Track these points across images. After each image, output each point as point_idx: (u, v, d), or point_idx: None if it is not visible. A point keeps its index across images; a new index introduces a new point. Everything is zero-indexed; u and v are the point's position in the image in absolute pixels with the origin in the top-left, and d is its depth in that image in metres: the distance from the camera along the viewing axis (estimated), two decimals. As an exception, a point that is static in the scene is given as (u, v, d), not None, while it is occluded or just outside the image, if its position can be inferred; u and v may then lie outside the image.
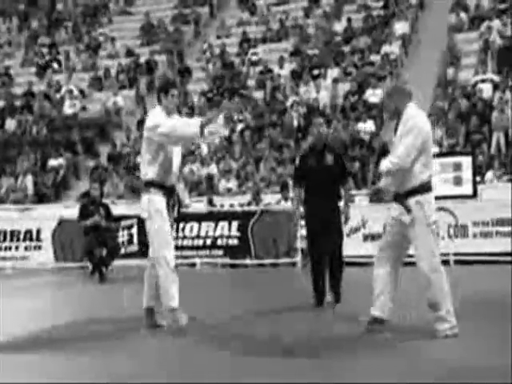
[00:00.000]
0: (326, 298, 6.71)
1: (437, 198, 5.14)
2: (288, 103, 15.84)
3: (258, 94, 17.09)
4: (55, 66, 19.95)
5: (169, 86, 5.36)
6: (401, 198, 4.88)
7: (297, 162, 7.00)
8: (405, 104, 4.90)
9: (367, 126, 14.62)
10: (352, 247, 9.91)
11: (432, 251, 4.82)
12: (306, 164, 6.84)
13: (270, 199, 12.61)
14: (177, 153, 5.38)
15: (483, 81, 14.88)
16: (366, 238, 11.18)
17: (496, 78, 14.78)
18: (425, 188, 4.85)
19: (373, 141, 14.28)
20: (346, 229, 7.46)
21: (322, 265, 6.70)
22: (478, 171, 11.94)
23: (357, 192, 12.13)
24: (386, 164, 4.88)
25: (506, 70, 14.65)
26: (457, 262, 10.04)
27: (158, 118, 5.17)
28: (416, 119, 4.87)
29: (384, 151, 13.56)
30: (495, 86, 14.56)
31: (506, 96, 13.99)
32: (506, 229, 10.54)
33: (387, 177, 4.99)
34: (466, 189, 10.83)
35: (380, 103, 15.07)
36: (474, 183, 11.10)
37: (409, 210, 4.81)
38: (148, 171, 5.17)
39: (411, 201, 4.82)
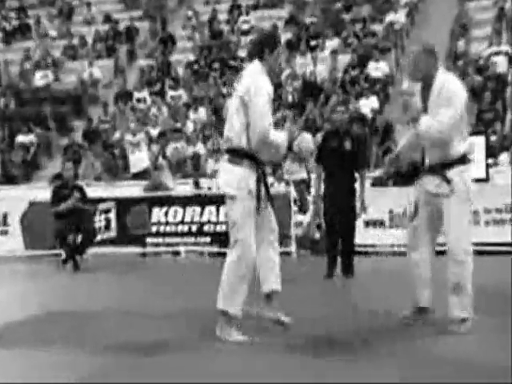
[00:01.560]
0: (336, 269, 8.12)
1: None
2: (282, 76, 15.93)
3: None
4: (24, 31, 19.88)
5: (277, 40, 4.97)
6: (438, 168, 4.91)
7: (319, 142, 8.35)
8: (436, 68, 4.94)
9: (370, 103, 14.67)
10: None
11: (468, 231, 4.87)
12: (327, 146, 8.12)
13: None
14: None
15: (497, 53, 14.89)
16: (367, 224, 11.27)
17: (511, 51, 14.85)
18: (465, 160, 4.91)
19: (376, 119, 14.32)
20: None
21: (336, 238, 8.15)
22: (491, 153, 11.96)
23: (357, 175, 12.23)
24: (428, 124, 4.87)
25: (522, 42, 14.86)
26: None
27: (260, 82, 4.77)
28: (454, 86, 4.90)
29: (388, 131, 13.88)
30: (511, 60, 14.62)
31: (521, 71, 14.16)
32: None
33: (422, 139, 4.96)
34: (479, 172, 10.73)
35: (383, 78, 15.27)
36: (487, 166, 11.11)
37: (448, 181, 4.84)
38: (240, 139, 4.80)
39: (451, 172, 4.87)
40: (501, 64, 14.53)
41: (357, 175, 8.26)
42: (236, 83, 4.94)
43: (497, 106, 13.61)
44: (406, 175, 11.52)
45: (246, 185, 4.76)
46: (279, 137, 4.80)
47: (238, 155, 4.80)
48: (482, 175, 10.85)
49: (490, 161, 11.85)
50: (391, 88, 15.68)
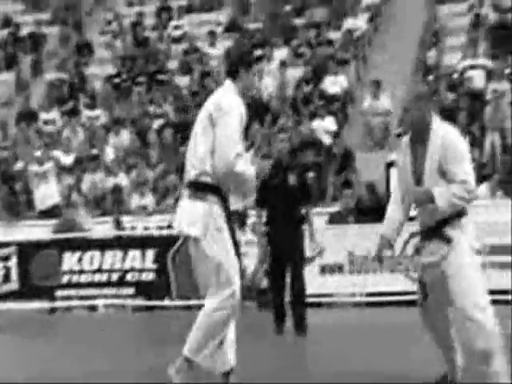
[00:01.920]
0: (285, 323, 8.36)
1: (411, 219, 5.37)
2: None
3: (183, 81, 17.23)
4: None
5: (253, 58, 5.16)
6: (435, 229, 5.05)
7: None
8: (431, 118, 5.07)
9: (326, 125, 14.81)
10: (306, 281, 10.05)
11: (478, 286, 4.97)
12: (268, 184, 7.91)
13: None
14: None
15: (473, 67, 15.07)
16: (323, 270, 11.43)
17: (489, 64, 15.06)
18: (462, 211, 5.04)
19: (333, 144, 14.51)
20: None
21: (283, 287, 8.38)
22: None
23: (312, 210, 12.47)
24: (453, 193, 4.92)
25: (501, 54, 15.03)
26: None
27: (233, 100, 4.93)
28: (458, 139, 5.06)
29: (347, 158, 13.95)
30: (489, 74, 14.81)
31: (501, 87, 14.30)
32: (505, 259, 10.83)
33: (442, 214, 5.00)
34: None
35: (342, 94, 15.43)
36: None
37: (448, 240, 4.98)
38: (205, 167, 4.89)
39: (452, 228, 5.00)
40: (477, 79, 14.75)
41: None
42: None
43: (473, 128, 13.89)
44: (369, 210, 12.14)
45: (213, 222, 4.90)
46: (248, 169, 4.90)
47: (201, 189, 4.91)
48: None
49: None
50: (351, 107, 15.87)
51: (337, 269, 11.46)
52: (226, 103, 4.88)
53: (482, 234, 10.02)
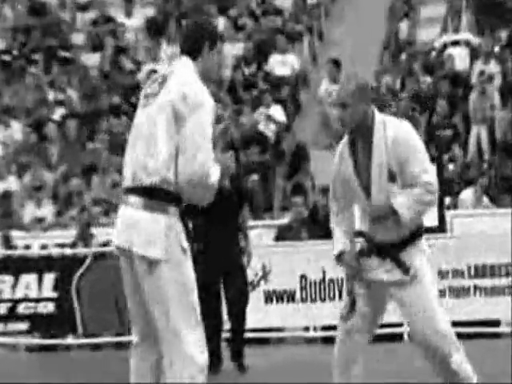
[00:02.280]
0: (222, 362, 8.42)
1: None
2: (141, 74, 15.91)
3: (91, 59, 17.24)
4: None
5: (218, 34, 5.13)
6: (389, 249, 5.32)
7: None
8: (373, 111, 5.33)
9: (273, 115, 14.81)
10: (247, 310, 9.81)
11: (440, 311, 5.31)
12: None
13: (109, 236, 11.71)
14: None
15: (455, 43, 15.18)
16: (268, 297, 11.39)
17: (474, 40, 15.16)
18: (421, 232, 5.38)
19: (281, 139, 14.52)
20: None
21: (218, 314, 8.44)
22: (447, 189, 12.22)
23: (255, 223, 12.44)
24: (420, 202, 5.22)
25: (488, 28, 15.23)
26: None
27: (202, 91, 4.87)
28: (409, 133, 5.30)
29: (299, 157, 13.87)
30: (473, 53, 14.87)
31: (489, 69, 14.40)
32: (496, 282, 10.96)
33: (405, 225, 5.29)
34: (429, 218, 10.50)
35: (292, 77, 15.44)
36: (441, 209, 11.31)
37: (407, 268, 5.26)
38: (168, 173, 4.83)
39: (408, 252, 5.31)
40: (460, 59, 14.77)
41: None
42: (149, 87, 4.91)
43: (454, 120, 13.94)
44: (326, 222, 11.89)
45: (177, 241, 4.87)
46: (214, 174, 4.90)
47: (160, 198, 4.86)
48: (434, 223, 11.07)
49: (448, 200, 12.22)
50: (304, 93, 15.94)
51: (286, 296, 11.38)
52: (196, 93, 4.81)
53: (465, 253, 10.80)
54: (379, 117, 5.26)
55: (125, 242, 4.83)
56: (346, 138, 5.33)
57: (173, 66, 5.00)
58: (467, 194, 12.96)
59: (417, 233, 5.29)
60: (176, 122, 4.75)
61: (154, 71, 15.14)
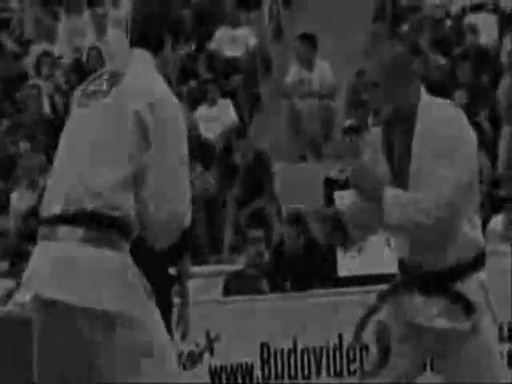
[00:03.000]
0: None
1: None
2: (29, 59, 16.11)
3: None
4: None
5: (182, 24, 4.90)
6: (438, 279, 5.02)
7: None
8: (419, 93, 5.03)
9: (220, 114, 14.35)
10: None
11: (499, 376, 5.11)
12: None
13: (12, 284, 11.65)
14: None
15: (478, 7, 14.76)
16: (215, 375, 10.61)
17: (505, 2, 14.94)
18: (482, 259, 5.07)
19: (234, 147, 13.49)
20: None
21: None
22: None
23: (195, 269, 11.49)
24: (418, 209, 4.96)
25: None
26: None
27: (173, 98, 4.42)
28: (456, 127, 4.91)
29: (259, 172, 13.13)
30: (504, 21, 14.48)
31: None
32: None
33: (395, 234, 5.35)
34: None
35: (248, 60, 15.09)
36: None
37: (470, 308, 4.94)
38: (113, 199, 4.48)
39: (470, 286, 4.97)
40: (486, 29, 14.27)
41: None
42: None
43: (478, 115, 12.89)
44: (296, 264, 11.49)
45: (138, 283, 4.57)
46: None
47: (110, 229, 4.47)
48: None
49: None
50: (264, 82, 15.35)
51: (241, 374, 10.55)
52: (168, 102, 4.48)
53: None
54: (425, 98, 4.96)
55: (57, 292, 4.39)
56: (377, 128, 5.21)
57: (132, 59, 4.64)
58: (496, 223, 11.83)
59: (479, 258, 4.88)
60: (140, 137, 4.33)
61: (47, 54, 16.16)
